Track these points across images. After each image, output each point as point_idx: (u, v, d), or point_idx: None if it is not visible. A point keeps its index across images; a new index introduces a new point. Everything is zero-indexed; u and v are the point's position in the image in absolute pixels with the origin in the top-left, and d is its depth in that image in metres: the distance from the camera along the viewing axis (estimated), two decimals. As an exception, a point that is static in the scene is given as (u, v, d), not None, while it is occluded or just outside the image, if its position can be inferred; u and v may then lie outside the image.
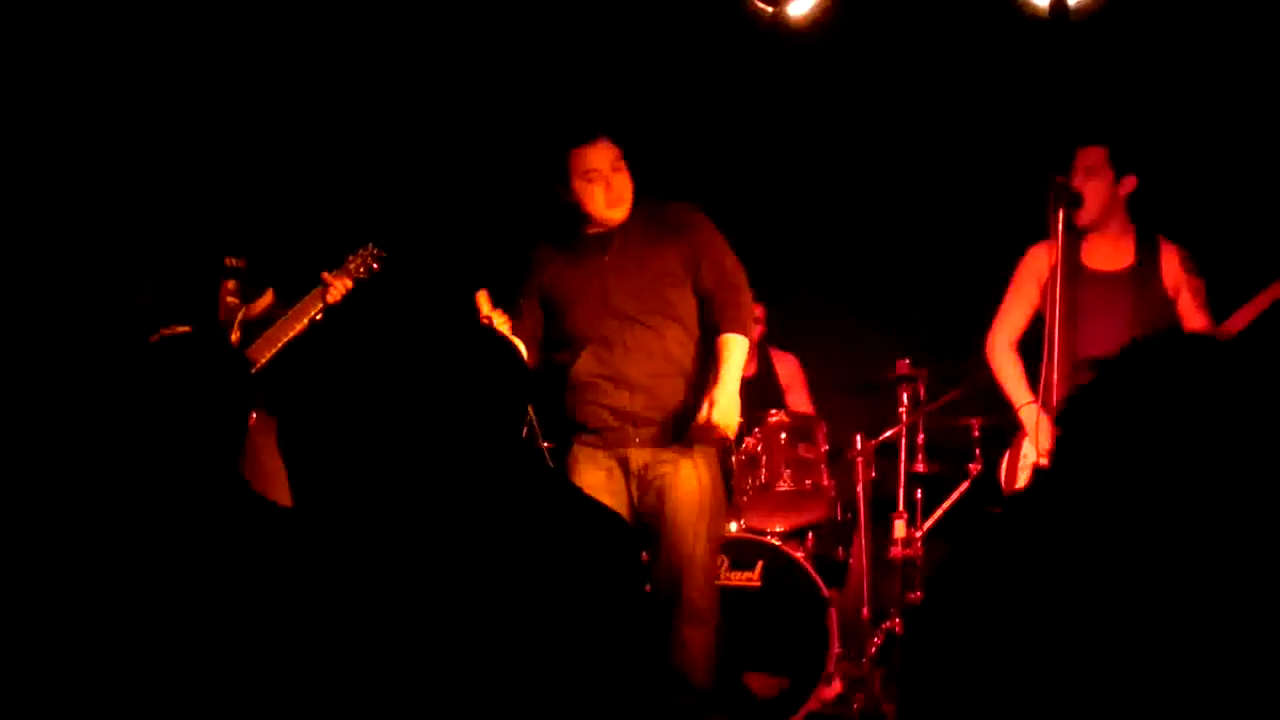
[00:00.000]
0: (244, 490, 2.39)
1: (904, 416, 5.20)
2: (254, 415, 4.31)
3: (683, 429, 4.20)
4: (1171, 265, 4.58)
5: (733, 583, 4.90)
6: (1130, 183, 4.59)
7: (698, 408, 4.17)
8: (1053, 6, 4.47)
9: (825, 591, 4.88)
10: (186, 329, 4.16)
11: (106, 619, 2.18)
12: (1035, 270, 4.62)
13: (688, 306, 4.27)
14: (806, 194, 5.98)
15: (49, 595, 2.22)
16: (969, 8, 5.29)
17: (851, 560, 5.22)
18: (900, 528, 5.12)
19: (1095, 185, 4.54)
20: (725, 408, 4.13)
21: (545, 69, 5.73)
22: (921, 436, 5.24)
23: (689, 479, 4.19)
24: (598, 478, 4.22)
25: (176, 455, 2.35)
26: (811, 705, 4.78)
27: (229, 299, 4.77)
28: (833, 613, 4.87)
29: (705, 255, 4.26)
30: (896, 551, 5.08)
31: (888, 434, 5.24)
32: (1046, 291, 4.50)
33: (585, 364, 4.26)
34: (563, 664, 2.02)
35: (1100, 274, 4.54)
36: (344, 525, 2.06)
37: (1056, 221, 4.34)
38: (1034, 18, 4.64)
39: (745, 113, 5.81)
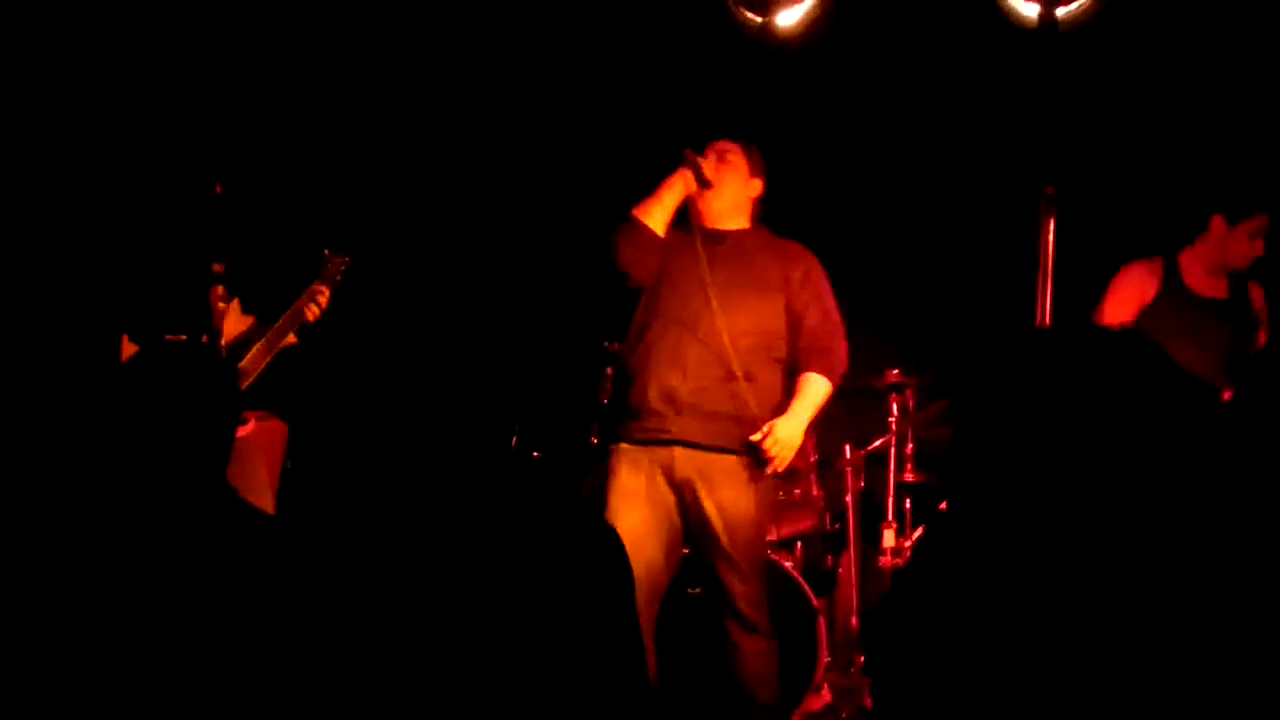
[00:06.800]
0: (231, 497, 2.39)
1: (893, 426, 5.20)
2: (252, 423, 4.34)
3: (726, 436, 4.11)
4: (1258, 299, 4.75)
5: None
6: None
7: (748, 422, 4.09)
8: (1041, 18, 4.47)
9: (814, 601, 4.87)
10: (182, 337, 4.15)
11: (96, 625, 2.18)
12: (1138, 292, 4.70)
13: (778, 324, 4.23)
14: (793, 204, 5.98)
15: (38, 602, 2.21)
16: (958, 19, 5.30)
17: (840, 570, 5.21)
18: (889, 537, 5.12)
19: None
20: (783, 438, 4.08)
21: (530, 74, 5.73)
22: (910, 446, 5.24)
23: (738, 491, 4.11)
24: (636, 483, 4.12)
25: (164, 462, 2.35)
26: (800, 715, 4.77)
27: (219, 304, 4.75)
28: (822, 622, 4.86)
29: (809, 288, 4.28)
30: (886, 561, 5.08)
31: (877, 443, 5.24)
32: (1143, 315, 4.60)
33: (651, 348, 4.16)
34: (541, 668, 2.01)
35: (1201, 298, 4.67)
36: (331, 530, 2.06)
37: (1047, 232, 4.35)
38: (1022, 29, 4.65)
39: (734, 123, 5.81)
